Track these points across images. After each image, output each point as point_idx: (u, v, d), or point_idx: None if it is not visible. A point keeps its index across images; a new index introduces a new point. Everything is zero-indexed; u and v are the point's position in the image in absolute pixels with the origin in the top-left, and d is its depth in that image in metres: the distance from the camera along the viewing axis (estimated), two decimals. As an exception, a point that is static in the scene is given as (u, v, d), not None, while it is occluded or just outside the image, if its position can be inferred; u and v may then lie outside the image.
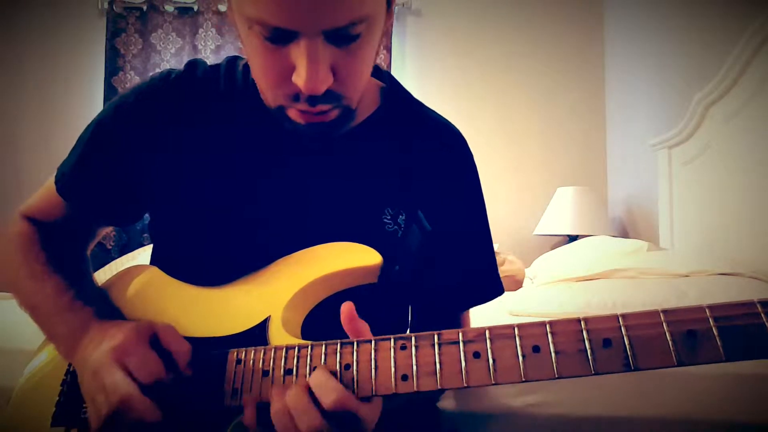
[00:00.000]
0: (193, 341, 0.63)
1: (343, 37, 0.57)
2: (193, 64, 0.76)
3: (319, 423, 0.49)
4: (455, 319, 0.82)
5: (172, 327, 0.60)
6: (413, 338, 0.52)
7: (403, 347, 0.52)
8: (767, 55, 1.76)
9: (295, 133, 0.69)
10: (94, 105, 3.15)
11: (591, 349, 0.46)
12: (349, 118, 0.66)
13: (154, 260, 0.80)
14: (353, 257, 0.64)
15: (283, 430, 0.50)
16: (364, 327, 0.54)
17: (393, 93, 0.79)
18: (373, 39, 0.61)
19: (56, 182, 0.76)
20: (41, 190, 0.79)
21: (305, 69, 0.56)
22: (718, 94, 1.99)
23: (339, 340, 0.54)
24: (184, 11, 3.20)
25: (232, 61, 0.77)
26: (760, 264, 1.69)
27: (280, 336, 0.60)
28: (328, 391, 0.50)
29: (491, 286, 0.81)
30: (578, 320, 0.48)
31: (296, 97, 0.61)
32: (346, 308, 0.54)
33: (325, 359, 0.54)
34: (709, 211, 2.07)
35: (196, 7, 3.20)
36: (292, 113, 0.63)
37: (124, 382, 0.54)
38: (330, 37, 0.56)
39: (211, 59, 3.11)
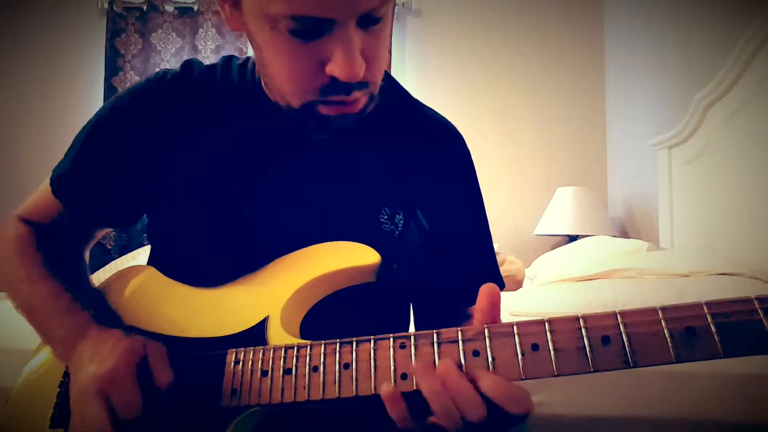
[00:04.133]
0: (192, 341, 0.63)
1: (370, 20, 0.57)
2: (189, 65, 0.76)
3: (485, 413, 0.47)
4: (460, 316, 0.82)
5: (162, 350, 0.59)
6: (412, 337, 0.52)
7: (403, 346, 0.52)
8: (767, 55, 1.76)
9: (296, 132, 0.69)
10: (94, 105, 3.15)
11: (590, 346, 0.46)
12: (370, 105, 0.66)
13: (152, 261, 0.79)
14: (351, 256, 0.64)
15: (448, 417, 0.48)
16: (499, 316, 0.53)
17: (390, 91, 0.78)
18: (389, 20, 0.62)
19: (52, 184, 0.76)
20: (37, 192, 0.79)
21: (342, 56, 0.56)
22: (718, 94, 1.99)
23: (338, 340, 0.54)
24: (184, 11, 3.20)
25: (228, 60, 0.77)
26: (760, 264, 1.69)
27: (279, 336, 0.60)
28: (522, 404, 0.47)
29: (493, 282, 0.81)
30: (577, 318, 0.48)
31: (329, 88, 0.60)
32: (489, 290, 0.52)
33: (324, 359, 0.54)
34: (709, 211, 2.07)
35: (196, 7, 3.20)
36: (323, 108, 0.63)
37: (101, 419, 0.54)
38: (360, 22, 0.57)
39: (211, 59, 3.11)
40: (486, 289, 0.52)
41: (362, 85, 0.61)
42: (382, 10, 0.57)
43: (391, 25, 0.67)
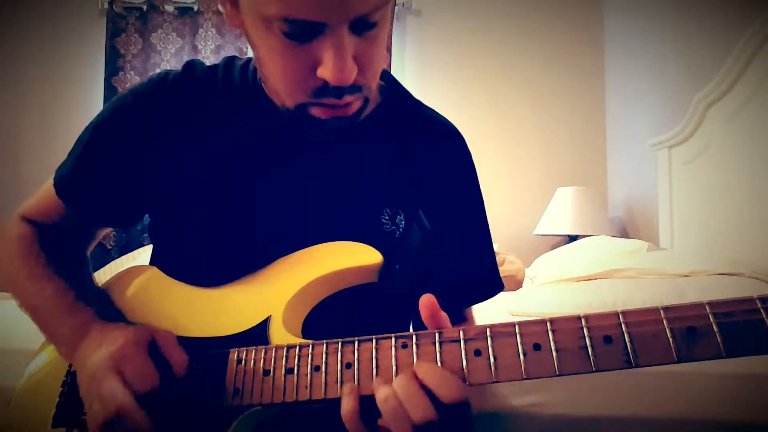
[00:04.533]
0: (194, 341, 0.63)
1: (364, 25, 0.57)
2: (191, 65, 0.76)
3: (433, 413, 0.48)
4: (458, 316, 0.82)
5: (171, 334, 0.60)
6: (414, 336, 0.52)
7: (405, 345, 0.52)
8: (767, 55, 1.76)
9: (296, 133, 0.69)
10: (94, 105, 3.15)
11: (592, 346, 0.46)
12: (365, 109, 0.67)
13: (154, 261, 0.80)
14: (353, 256, 0.64)
15: (394, 419, 0.49)
16: (446, 320, 0.53)
17: (392, 92, 0.79)
18: (387, 25, 0.61)
19: (55, 185, 0.76)
20: (40, 191, 0.79)
21: (333, 61, 0.56)
22: (718, 94, 1.99)
23: (340, 339, 0.54)
24: (184, 11, 3.20)
25: (230, 61, 0.77)
26: (760, 264, 1.69)
27: (280, 335, 0.60)
28: (448, 386, 0.48)
29: (491, 283, 0.81)
30: (579, 317, 0.48)
31: (321, 91, 0.60)
32: (429, 301, 0.53)
33: (326, 358, 0.54)
34: (709, 211, 2.07)
35: (196, 7, 3.20)
36: (315, 110, 0.63)
37: (120, 391, 0.54)
38: (353, 27, 0.57)
39: (211, 59, 3.11)
40: (423, 301, 0.53)
41: (355, 89, 0.61)
42: (376, 15, 0.57)
43: (390, 29, 0.67)
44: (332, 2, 0.54)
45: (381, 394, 0.50)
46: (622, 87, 3.05)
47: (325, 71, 0.57)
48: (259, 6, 0.56)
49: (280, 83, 0.63)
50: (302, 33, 0.56)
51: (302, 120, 0.64)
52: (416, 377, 0.49)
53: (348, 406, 0.51)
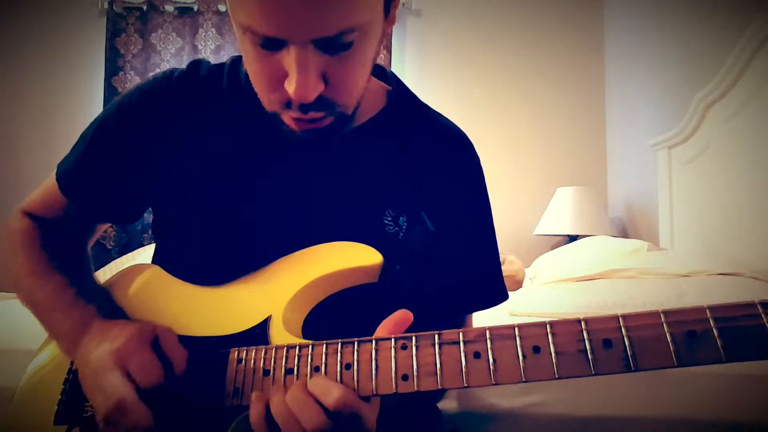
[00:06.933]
0: (195, 340, 0.63)
1: (334, 46, 0.57)
2: (197, 64, 0.76)
3: (323, 420, 0.49)
4: (459, 322, 0.82)
5: (171, 332, 0.60)
6: (414, 338, 0.52)
7: (404, 347, 0.52)
8: (767, 55, 1.76)
9: (295, 135, 0.70)
10: (94, 105, 3.15)
11: (591, 349, 0.46)
12: (345, 125, 0.67)
13: (157, 259, 0.80)
14: (354, 257, 0.64)
15: (287, 429, 0.50)
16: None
17: (398, 95, 0.79)
18: (368, 46, 0.61)
19: (58, 179, 0.76)
20: (42, 186, 0.80)
21: (295, 77, 0.57)
22: (718, 94, 1.99)
23: (340, 340, 0.54)
24: (184, 11, 3.20)
25: (236, 60, 0.77)
26: (760, 264, 1.69)
27: (281, 335, 0.60)
28: (330, 391, 0.50)
29: (494, 292, 0.81)
30: (578, 321, 0.48)
31: (288, 103, 0.61)
32: (403, 316, 0.54)
33: (326, 359, 0.54)
34: (709, 211, 2.07)
35: (196, 7, 3.20)
36: (286, 119, 0.63)
37: (122, 385, 0.54)
38: (320, 46, 0.56)
39: (211, 59, 3.10)
40: (400, 315, 0.54)
41: (323, 106, 0.61)
42: (350, 36, 0.56)
43: (386, 37, 0.66)
44: (290, 22, 0.54)
45: (273, 402, 0.51)
46: (622, 87, 3.05)
47: (289, 86, 0.58)
48: (234, 13, 0.57)
49: (257, 88, 0.64)
50: (269, 44, 0.57)
51: (280, 125, 0.65)
52: (307, 389, 0.51)
53: (256, 411, 0.52)
